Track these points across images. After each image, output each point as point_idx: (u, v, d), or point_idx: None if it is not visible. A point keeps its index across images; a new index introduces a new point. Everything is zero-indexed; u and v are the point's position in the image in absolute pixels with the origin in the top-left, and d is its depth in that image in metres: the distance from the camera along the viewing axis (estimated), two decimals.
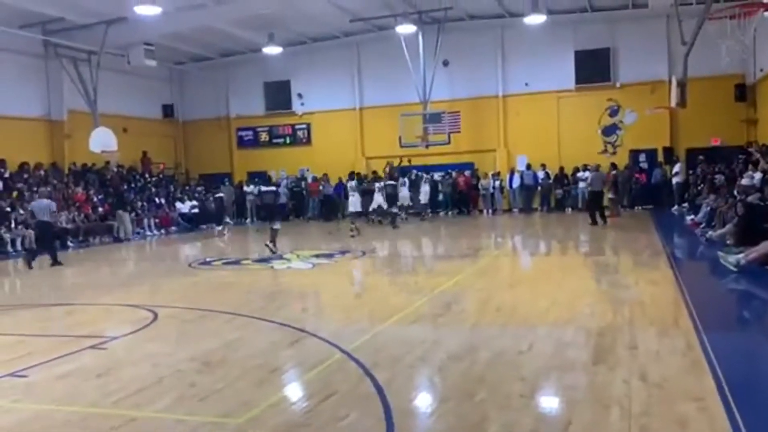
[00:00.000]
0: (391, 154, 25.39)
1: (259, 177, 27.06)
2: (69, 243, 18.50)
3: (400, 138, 24.66)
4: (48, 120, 22.44)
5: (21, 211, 17.76)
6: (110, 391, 5.12)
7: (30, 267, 13.92)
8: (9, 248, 16.84)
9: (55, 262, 14.13)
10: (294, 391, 5.14)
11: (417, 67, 23.31)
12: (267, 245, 14.26)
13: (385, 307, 8.22)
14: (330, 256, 14.10)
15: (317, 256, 13.89)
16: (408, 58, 22.96)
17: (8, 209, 17.42)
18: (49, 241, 14.81)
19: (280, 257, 13.64)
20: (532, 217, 22.75)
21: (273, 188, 16.85)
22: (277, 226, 14.61)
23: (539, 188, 24.12)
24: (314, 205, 26.10)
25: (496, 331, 6.71)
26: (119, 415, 4.55)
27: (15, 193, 18.53)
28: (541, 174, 23.96)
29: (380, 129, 25.69)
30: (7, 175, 19.88)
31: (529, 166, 24.18)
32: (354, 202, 20.70)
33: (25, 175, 20.51)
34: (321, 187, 25.70)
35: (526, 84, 24.11)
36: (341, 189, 25.35)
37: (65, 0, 18.67)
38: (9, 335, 7.48)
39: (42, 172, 21.18)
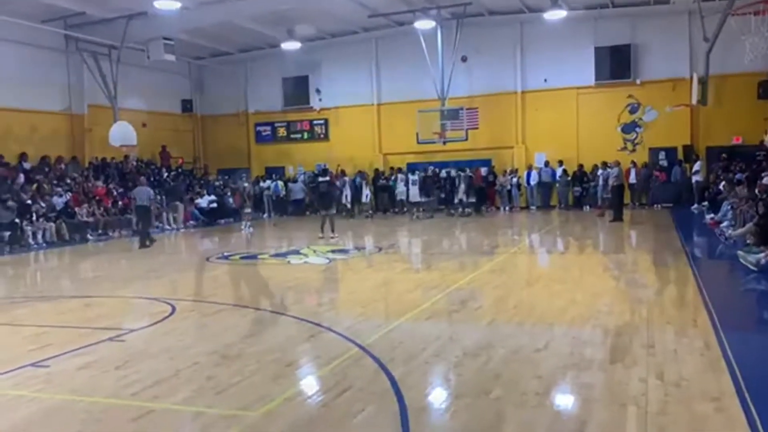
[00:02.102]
0: (408, 150, 25.44)
1: (276, 172, 27.32)
2: (89, 236, 18.72)
3: (417, 134, 24.64)
4: (69, 114, 22.66)
5: (42, 204, 17.97)
6: (129, 383, 5.18)
7: (147, 246, 15.72)
8: (30, 240, 17.04)
9: (144, 245, 15.76)
10: (310, 386, 5.18)
11: (435, 63, 23.24)
12: (331, 236, 15.55)
13: (401, 303, 8.25)
14: (346, 251, 14.14)
15: (333, 251, 13.93)
16: (426, 54, 22.89)
17: (29, 202, 17.63)
18: (146, 224, 16.53)
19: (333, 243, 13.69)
20: (549, 214, 22.62)
21: (327, 178, 18.22)
22: (333, 211, 16.09)
23: (557, 185, 23.97)
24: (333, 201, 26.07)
25: (513, 329, 6.69)
26: (138, 406, 4.61)
27: (35, 186, 18.75)
28: (559, 171, 23.81)
29: (398, 125, 25.68)
30: (28, 168, 20.12)
31: (547, 163, 24.03)
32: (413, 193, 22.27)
33: (46, 169, 20.75)
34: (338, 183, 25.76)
35: (545, 80, 23.95)
36: (357, 184, 25.42)
37: None
38: (30, 326, 7.60)
39: (62, 166, 21.41)
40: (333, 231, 16.00)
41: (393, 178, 24.96)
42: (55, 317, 8.18)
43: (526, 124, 24.65)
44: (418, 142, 24.85)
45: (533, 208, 24.20)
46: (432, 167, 24.74)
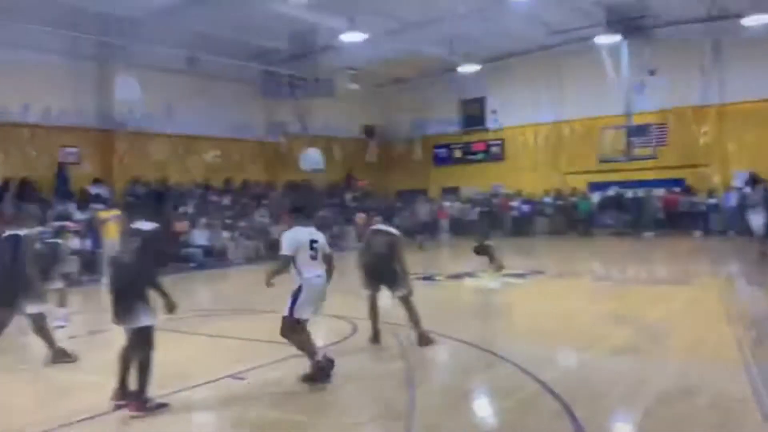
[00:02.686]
0: (590, 169, 24.38)
1: (453, 193, 27.53)
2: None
3: (600, 153, 23.58)
4: (266, 142, 24.70)
5: (243, 224, 19.67)
6: (316, 399, 5.44)
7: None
8: (230, 257, 18.70)
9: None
10: (486, 420, 5.08)
11: (620, 78, 22.12)
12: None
13: (585, 336, 7.83)
14: (522, 275, 13.79)
15: (508, 275, 13.66)
16: (610, 69, 21.88)
17: (228, 221, 19.40)
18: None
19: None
20: (752, 241, 20.38)
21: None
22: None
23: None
24: (506, 222, 25.82)
25: (718, 372, 6.02)
26: (323, 423, 4.82)
27: (238, 208, 20.61)
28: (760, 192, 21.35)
29: (578, 144, 24.75)
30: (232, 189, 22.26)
31: (751, 182, 21.67)
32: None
33: (247, 191, 22.77)
34: (512, 204, 25.45)
35: (748, 92, 21.71)
36: (534, 206, 24.87)
37: (283, 34, 20.41)
38: (228, 338, 8.27)
39: (258, 189, 23.35)
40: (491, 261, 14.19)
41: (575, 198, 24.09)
42: (252, 331, 8.70)
43: (723, 140, 22.54)
44: (601, 161, 23.73)
45: (731, 232, 21.94)
46: (615, 187, 23.49)
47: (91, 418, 5.20)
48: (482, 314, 10.02)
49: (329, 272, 6.24)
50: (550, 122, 25.80)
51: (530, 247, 21.38)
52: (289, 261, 5.93)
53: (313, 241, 6.01)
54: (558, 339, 7.92)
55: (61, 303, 9.12)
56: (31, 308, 6.77)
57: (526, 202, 25.24)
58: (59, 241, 9.11)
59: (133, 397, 5.22)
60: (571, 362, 6.49)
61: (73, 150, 18.79)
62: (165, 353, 6.37)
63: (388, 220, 8.21)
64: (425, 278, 13.87)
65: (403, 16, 19.84)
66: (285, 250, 5.96)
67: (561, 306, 10.42)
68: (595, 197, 24.39)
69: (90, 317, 9.97)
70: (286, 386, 5.98)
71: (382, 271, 7.49)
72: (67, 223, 16.28)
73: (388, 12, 19.26)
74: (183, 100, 20.84)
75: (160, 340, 6.00)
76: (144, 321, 5.26)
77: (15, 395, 6.13)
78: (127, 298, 5.27)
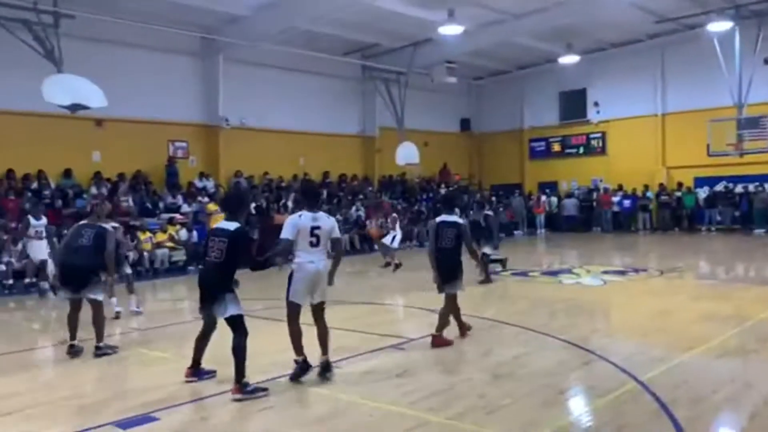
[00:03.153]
0: (697, 163, 23.21)
1: (549, 188, 26.98)
2: (375, 247, 20.44)
3: (708, 146, 22.36)
4: (362, 136, 25.12)
5: (339, 217, 20.14)
6: (408, 392, 5.57)
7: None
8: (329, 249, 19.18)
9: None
10: (582, 418, 5.02)
11: (731, 68, 20.89)
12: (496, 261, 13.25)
13: (687, 336, 7.54)
14: (623, 273, 13.40)
15: (607, 272, 13.30)
16: (721, 58, 20.69)
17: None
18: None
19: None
20: None
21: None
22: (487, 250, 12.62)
23: None
24: (606, 217, 25.07)
25: None
26: (414, 416, 4.93)
27: (335, 201, 21.10)
28: None
29: (684, 137, 23.57)
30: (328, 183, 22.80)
31: None
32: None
33: (343, 185, 23.27)
34: (613, 199, 24.67)
35: None
36: (636, 201, 23.99)
37: (381, 28, 20.68)
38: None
39: (355, 183, 23.78)
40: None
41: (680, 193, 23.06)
42: (347, 321, 8.92)
43: None
44: (709, 155, 22.51)
45: None
46: (724, 182, 22.25)
47: (197, 400, 5.59)
48: (579, 311, 9.82)
49: (336, 258, 6.42)
50: (654, 114, 24.76)
51: (631, 243, 20.68)
52: (289, 245, 5.97)
53: (314, 228, 6.01)
54: (658, 338, 7.67)
55: (130, 290, 10.05)
56: (92, 295, 7.32)
57: (628, 196, 24.39)
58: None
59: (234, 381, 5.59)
60: (672, 362, 6.27)
61: (182, 144, 19.88)
62: (263, 340, 6.73)
63: (450, 210, 7.82)
64: (519, 273, 13.74)
65: (502, 7, 19.62)
66: (284, 234, 5.98)
67: (662, 304, 10.05)
68: (702, 192, 23.25)
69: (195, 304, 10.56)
70: (378, 375, 6.14)
71: (447, 265, 7.32)
72: (176, 215, 17.34)
73: (487, 3, 19.09)
74: (282, 96, 21.52)
75: (260, 328, 6.31)
76: (232, 311, 5.68)
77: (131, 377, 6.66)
78: (215, 292, 5.74)
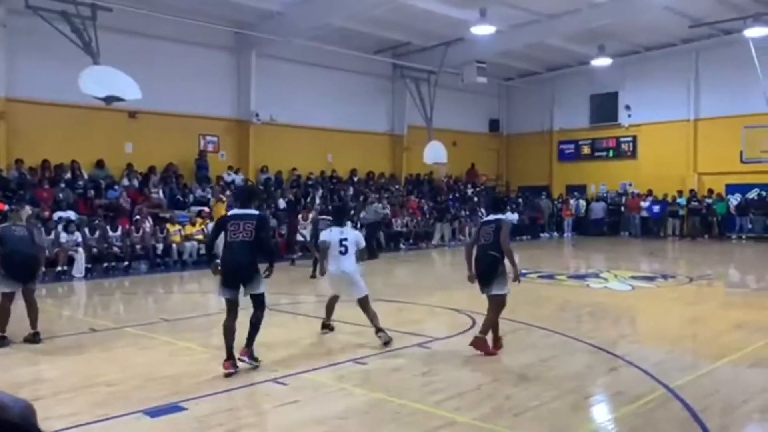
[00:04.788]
0: (730, 170, 22.83)
1: (577, 190, 26.73)
2: (401, 245, 20.50)
3: (741, 152, 21.98)
4: (391, 134, 25.13)
5: (363, 214, 20.17)
6: (433, 390, 5.56)
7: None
8: None
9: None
10: (611, 424, 4.97)
11: (766, 73, 20.48)
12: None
13: (717, 344, 7.44)
14: (651, 279, 13.23)
15: (635, 277, 13.14)
16: (757, 64, 20.30)
17: (352, 212, 19.94)
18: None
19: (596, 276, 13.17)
20: None
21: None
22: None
23: None
24: (634, 222, 24.78)
25: None
26: (441, 415, 4.92)
27: (362, 198, 21.13)
28: None
29: (717, 142, 23.18)
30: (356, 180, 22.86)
31: None
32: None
33: (370, 182, 23.31)
34: (642, 204, 24.38)
35: None
36: (665, 206, 23.67)
37: (413, 26, 20.64)
38: (352, 324, 8.57)
39: (382, 181, 23.80)
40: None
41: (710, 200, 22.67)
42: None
43: None
44: (742, 161, 22.13)
45: None
46: (757, 189, 21.84)
47: (224, 392, 5.65)
48: (607, 316, 9.73)
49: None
50: (686, 119, 24.39)
51: (660, 249, 20.39)
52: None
53: (342, 240, 7.42)
54: (688, 345, 7.57)
55: None
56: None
57: (657, 202, 24.06)
58: None
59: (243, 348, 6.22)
60: (702, 370, 6.18)
61: (213, 139, 20.08)
62: (292, 335, 6.79)
63: (496, 211, 7.43)
64: (546, 276, 13.65)
65: (535, 8, 19.45)
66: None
67: (692, 311, 9.92)
68: (733, 199, 22.86)
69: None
70: (404, 373, 6.15)
71: (480, 265, 6.97)
72: (205, 208, 17.52)
73: (520, 4, 18.94)
74: (312, 92, 21.61)
75: (288, 322, 6.33)
76: (262, 288, 6.31)
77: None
78: (249, 270, 6.24)
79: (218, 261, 6.45)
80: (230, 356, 6.11)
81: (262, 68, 20.27)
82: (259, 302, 6.33)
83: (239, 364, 6.11)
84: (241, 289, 6.25)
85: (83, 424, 4.75)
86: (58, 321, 8.13)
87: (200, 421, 4.87)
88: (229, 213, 7.07)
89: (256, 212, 6.54)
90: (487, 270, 6.88)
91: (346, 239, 7.46)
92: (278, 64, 20.71)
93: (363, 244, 7.67)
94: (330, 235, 7.55)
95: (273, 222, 17.71)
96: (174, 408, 5.11)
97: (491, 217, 7.29)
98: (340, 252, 7.40)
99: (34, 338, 7.40)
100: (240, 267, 6.24)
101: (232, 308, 6.28)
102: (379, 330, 7.27)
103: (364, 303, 7.45)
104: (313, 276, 7.26)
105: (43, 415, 4.82)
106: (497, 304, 6.89)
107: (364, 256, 8.01)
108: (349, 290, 7.57)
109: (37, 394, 5.58)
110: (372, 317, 7.36)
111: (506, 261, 6.84)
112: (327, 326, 7.96)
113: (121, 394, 5.49)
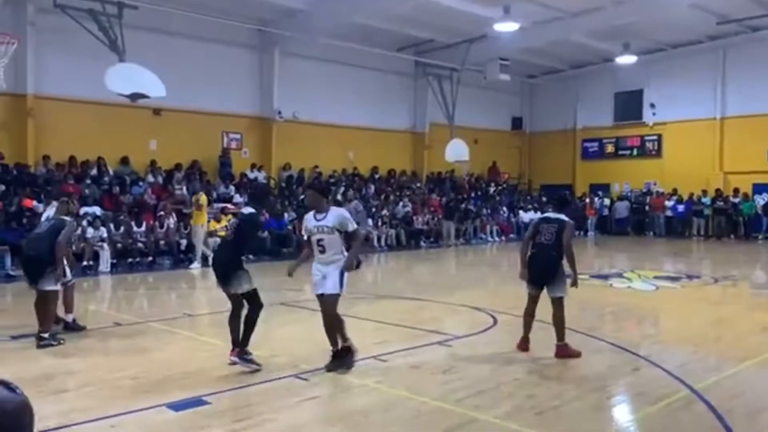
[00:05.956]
0: (757, 169, 22.47)
1: (601, 189, 26.47)
2: (422, 243, 20.50)
3: None
4: (413, 132, 25.10)
5: (385, 212, 20.20)
6: (454, 389, 5.55)
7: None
8: (375, 244, 19.26)
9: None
10: (633, 424, 4.93)
11: None
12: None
13: (743, 346, 7.33)
14: (675, 279, 13.07)
15: (659, 277, 12.99)
16: None
17: (373, 210, 19.99)
18: None
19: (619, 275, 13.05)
20: None
21: None
22: None
23: None
24: (658, 222, 24.50)
25: None
26: (461, 413, 4.91)
27: (383, 196, 21.15)
28: None
29: (744, 141, 22.82)
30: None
31: None
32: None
33: (391, 180, 23.31)
34: (666, 203, 24.08)
35: None
36: (690, 206, 23.36)
37: (436, 24, 20.57)
38: (372, 321, 8.60)
39: (404, 179, 23.79)
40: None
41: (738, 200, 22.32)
42: (392, 315, 9.01)
43: None
44: None
45: None
46: None
47: (246, 387, 5.70)
48: (630, 316, 9.65)
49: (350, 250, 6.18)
50: (712, 118, 24.03)
51: (685, 249, 20.14)
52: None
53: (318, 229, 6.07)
54: (712, 347, 7.46)
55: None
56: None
57: (682, 201, 23.75)
58: None
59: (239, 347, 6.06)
60: (727, 372, 6.10)
61: (236, 136, 20.22)
62: (313, 331, 6.80)
63: (559, 209, 7.15)
64: (568, 275, 13.52)
65: (559, 5, 19.29)
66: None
67: (717, 312, 9.79)
68: (761, 199, 22.50)
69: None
70: (425, 371, 6.15)
71: (540, 265, 6.83)
72: (227, 205, 17.65)
73: (545, 0, 18.80)
74: (335, 90, 21.65)
75: (309, 318, 6.36)
76: (246, 287, 6.08)
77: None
78: (227, 269, 6.15)
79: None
80: (234, 346, 6.13)
81: (285, 66, 20.36)
82: (249, 300, 6.15)
83: (235, 361, 6.05)
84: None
85: (108, 416, 4.82)
86: (84, 315, 8.25)
87: (223, 415, 4.93)
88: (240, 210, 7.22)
89: (247, 211, 6.45)
90: (549, 271, 6.78)
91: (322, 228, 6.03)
92: (301, 62, 20.80)
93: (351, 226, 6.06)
94: (306, 222, 6.18)
95: (292, 215, 17.79)
96: (197, 402, 5.17)
97: (552, 215, 7.08)
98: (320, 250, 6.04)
99: (38, 342, 7.01)
100: (217, 265, 6.42)
101: (233, 303, 6.25)
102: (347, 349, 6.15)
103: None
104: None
105: (68, 407, 4.94)
106: (561, 304, 6.81)
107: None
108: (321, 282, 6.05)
109: (64, 386, 5.69)
110: (336, 330, 6.14)
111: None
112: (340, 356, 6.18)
113: (145, 388, 5.56)
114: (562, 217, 7.00)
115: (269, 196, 16.47)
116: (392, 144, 24.17)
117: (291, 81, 20.43)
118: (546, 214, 7.34)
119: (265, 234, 16.21)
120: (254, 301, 6.15)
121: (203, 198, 15.08)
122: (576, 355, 6.63)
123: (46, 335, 7.04)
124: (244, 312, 6.17)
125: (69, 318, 7.80)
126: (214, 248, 15.66)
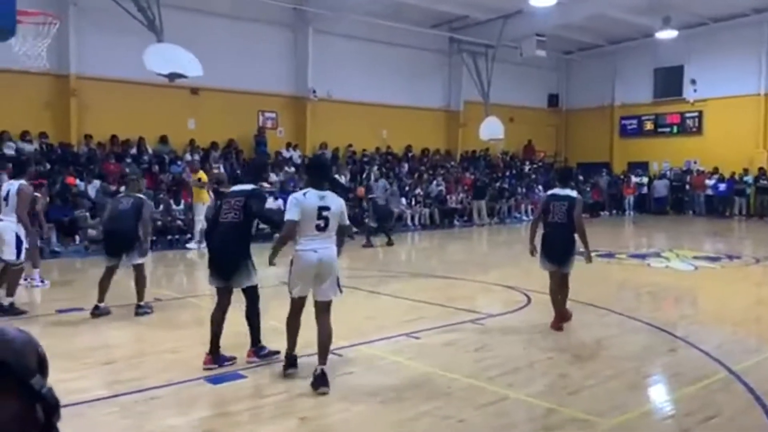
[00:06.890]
0: None
1: (640, 168, 25.99)
2: (455, 221, 20.47)
3: None
4: (447, 110, 24.91)
5: (418, 191, 20.17)
6: (486, 366, 5.59)
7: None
8: (409, 223, 19.30)
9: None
10: (670, 404, 4.90)
11: None
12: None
13: None
14: (715, 259, 12.82)
15: (698, 257, 12.77)
16: None
17: (407, 188, 19.99)
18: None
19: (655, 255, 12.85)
20: None
21: None
22: None
23: None
24: (698, 201, 23.99)
25: None
26: (493, 391, 4.94)
27: (416, 175, 21.10)
28: None
29: None
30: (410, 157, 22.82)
31: None
32: None
33: (425, 159, 23.23)
34: (707, 182, 23.55)
35: None
36: (732, 185, 22.79)
37: (471, 0, 20.30)
38: (406, 299, 8.68)
39: (437, 158, 23.68)
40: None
41: None
42: (426, 294, 9.07)
43: None
44: None
45: None
46: None
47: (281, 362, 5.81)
48: (667, 296, 9.52)
49: (339, 245, 5.25)
50: (756, 94, 23.32)
51: (726, 229, 19.71)
52: (294, 227, 5.02)
53: (322, 208, 5.01)
54: (752, 328, 7.35)
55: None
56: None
57: (723, 180, 23.20)
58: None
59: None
60: (766, 353, 6.01)
61: (272, 115, 20.34)
62: (348, 308, 6.89)
63: (565, 184, 7.31)
64: (605, 255, 13.39)
65: None
66: (289, 214, 5.03)
67: (757, 293, 9.61)
68: None
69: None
70: (457, 349, 6.19)
71: (558, 244, 6.85)
72: (264, 184, 17.80)
73: None
74: (369, 68, 21.58)
75: (345, 296, 6.43)
76: (254, 281, 5.67)
77: None
78: (235, 258, 5.58)
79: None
80: (212, 348, 5.54)
81: (318, 44, 20.35)
82: (251, 294, 5.67)
83: (254, 360, 5.68)
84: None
85: (151, 387, 4.99)
86: (127, 291, 8.47)
87: (259, 389, 5.05)
88: (231, 189, 6.21)
89: (249, 187, 5.67)
90: (564, 249, 6.83)
91: (327, 208, 5.03)
92: (335, 40, 20.76)
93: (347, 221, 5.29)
94: (305, 200, 5.02)
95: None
96: (234, 376, 5.30)
97: (560, 192, 7.06)
98: (318, 227, 5.01)
99: (136, 309, 7.62)
100: (223, 256, 5.56)
101: (223, 296, 5.66)
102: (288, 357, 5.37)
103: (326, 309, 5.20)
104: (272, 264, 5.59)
105: (113, 378, 5.10)
106: (568, 279, 6.98)
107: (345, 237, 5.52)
108: (321, 286, 5.11)
109: (110, 357, 5.90)
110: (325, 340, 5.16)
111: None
112: (291, 360, 5.38)
113: (184, 361, 5.71)
114: (571, 193, 7.03)
115: (267, 170, 16.36)
116: (426, 122, 24.04)
117: (325, 59, 20.42)
118: (554, 191, 7.28)
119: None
120: (255, 293, 5.71)
121: (204, 176, 15.03)
122: (568, 318, 6.97)
123: (142, 303, 7.71)
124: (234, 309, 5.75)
125: (6, 302, 7.68)
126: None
